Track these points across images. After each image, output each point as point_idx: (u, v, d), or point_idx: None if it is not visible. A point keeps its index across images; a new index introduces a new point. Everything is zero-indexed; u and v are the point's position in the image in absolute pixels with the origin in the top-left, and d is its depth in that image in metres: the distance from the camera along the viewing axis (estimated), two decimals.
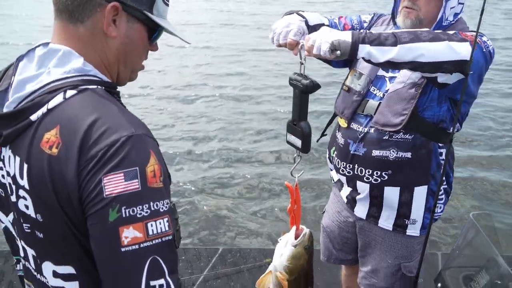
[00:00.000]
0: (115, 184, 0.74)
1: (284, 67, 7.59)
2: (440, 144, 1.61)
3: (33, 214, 0.83)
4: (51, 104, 0.79)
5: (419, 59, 1.31)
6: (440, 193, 1.65)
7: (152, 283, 0.75)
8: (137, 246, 0.74)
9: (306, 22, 1.51)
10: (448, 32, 1.40)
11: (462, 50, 1.35)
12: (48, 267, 0.86)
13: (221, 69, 7.84)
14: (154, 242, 0.75)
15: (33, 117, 0.80)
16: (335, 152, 1.73)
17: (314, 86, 1.23)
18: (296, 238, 1.23)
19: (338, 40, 1.26)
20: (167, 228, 0.77)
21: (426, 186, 1.62)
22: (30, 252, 0.91)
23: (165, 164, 0.83)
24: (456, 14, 1.55)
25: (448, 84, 1.45)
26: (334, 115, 1.81)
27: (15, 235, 0.95)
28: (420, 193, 1.63)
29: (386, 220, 1.68)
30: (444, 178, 1.64)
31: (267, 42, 1.65)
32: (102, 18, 0.85)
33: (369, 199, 1.68)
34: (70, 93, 0.80)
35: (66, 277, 0.84)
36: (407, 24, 1.53)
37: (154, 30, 0.93)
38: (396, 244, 1.71)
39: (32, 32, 9.21)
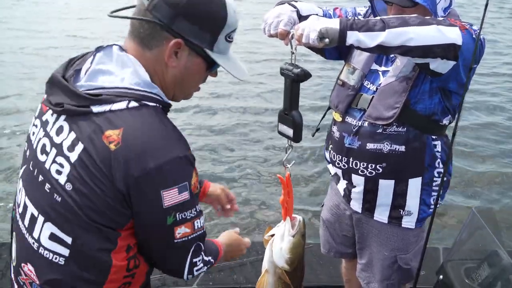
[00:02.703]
0: (171, 197, 0.95)
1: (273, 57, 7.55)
2: (434, 136, 1.62)
3: (62, 181, 0.95)
4: (115, 107, 0.93)
5: (409, 43, 1.33)
6: (435, 184, 1.67)
7: (194, 260, 1.06)
8: (186, 238, 1.01)
9: (298, 12, 1.52)
10: (437, 18, 1.42)
11: (451, 34, 1.37)
12: (47, 228, 0.98)
13: None
14: (197, 233, 1.04)
15: (95, 109, 0.93)
16: (331, 146, 1.75)
17: (305, 75, 1.25)
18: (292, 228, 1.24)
19: (326, 28, 1.29)
20: (203, 223, 1.05)
21: (420, 178, 1.64)
22: (31, 210, 1.02)
23: None
24: (446, 9, 1.55)
25: (440, 73, 1.46)
26: (329, 108, 1.83)
27: (20, 189, 1.06)
28: (414, 185, 1.65)
29: (381, 213, 1.70)
30: (440, 171, 1.65)
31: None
32: (166, 49, 0.98)
33: (364, 192, 1.70)
34: (132, 104, 0.94)
35: (62, 243, 0.97)
36: None
37: (212, 64, 1.04)
38: (392, 237, 1.73)
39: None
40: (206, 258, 1.10)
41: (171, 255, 1.05)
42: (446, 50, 1.38)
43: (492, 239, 1.83)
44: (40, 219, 0.99)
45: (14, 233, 1.10)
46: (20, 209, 1.05)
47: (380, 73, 1.63)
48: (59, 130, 0.97)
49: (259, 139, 5.13)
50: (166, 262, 1.07)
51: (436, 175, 1.66)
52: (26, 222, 1.03)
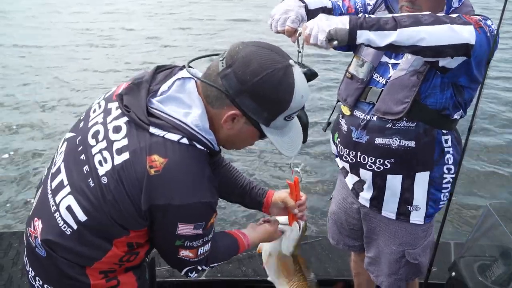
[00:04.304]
0: (185, 229, 1.04)
1: None
2: (444, 131, 1.58)
3: (101, 173, 1.03)
4: (168, 136, 1.00)
5: (420, 43, 1.28)
6: (445, 181, 1.63)
7: (190, 272, 1.18)
8: (188, 259, 1.13)
9: (306, 7, 1.48)
10: (451, 15, 1.36)
11: (464, 34, 1.31)
12: (69, 199, 1.05)
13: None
14: (199, 259, 1.14)
15: (152, 130, 1.00)
16: (339, 139, 1.72)
17: (312, 75, 1.22)
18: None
19: (335, 29, 1.24)
20: (207, 249, 1.15)
21: (428, 173, 1.60)
22: (62, 177, 1.09)
23: None
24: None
25: (450, 68, 1.41)
26: (337, 102, 1.79)
27: (61, 151, 1.14)
28: (422, 179, 1.61)
29: (389, 208, 1.67)
30: (451, 167, 1.61)
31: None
32: (224, 115, 1.03)
33: (372, 187, 1.67)
34: (184, 140, 1.01)
35: (75, 218, 1.05)
36: None
37: (265, 134, 1.08)
38: (400, 231, 1.70)
39: None
40: (204, 268, 1.20)
41: (171, 260, 1.16)
42: (458, 50, 1.34)
43: (507, 236, 1.79)
44: (67, 189, 1.07)
45: (39, 190, 1.18)
46: (53, 170, 1.13)
47: (390, 65, 1.58)
48: (117, 129, 1.05)
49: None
50: (167, 261, 1.18)
51: (446, 171, 1.62)
52: (54, 184, 1.10)
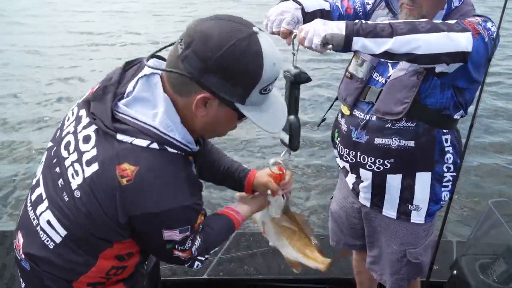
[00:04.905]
0: (172, 234, 1.00)
1: None
2: (445, 130, 1.57)
3: (74, 186, 0.98)
4: (137, 142, 0.93)
5: (416, 51, 1.28)
6: (445, 180, 1.62)
7: (191, 265, 1.14)
8: (183, 258, 1.10)
9: (303, 9, 1.47)
10: (449, 22, 1.35)
11: (461, 41, 1.31)
12: (48, 214, 1.02)
13: None
14: (195, 254, 1.11)
15: (119, 137, 0.94)
16: (339, 139, 1.72)
17: (307, 79, 1.21)
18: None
19: (331, 34, 1.24)
20: (200, 241, 1.12)
21: (429, 173, 1.59)
22: (40, 190, 1.05)
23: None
24: None
25: (447, 73, 1.41)
26: (336, 99, 1.79)
27: (42, 161, 1.10)
28: (423, 179, 1.60)
29: (390, 208, 1.67)
30: (451, 166, 1.61)
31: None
32: (193, 101, 0.95)
33: (372, 187, 1.67)
34: (153, 145, 0.94)
35: (55, 231, 1.01)
36: None
37: (243, 114, 0.99)
38: (401, 230, 1.70)
39: None
40: (206, 257, 1.18)
41: (169, 260, 1.12)
42: (454, 57, 1.33)
43: (508, 234, 1.79)
44: (46, 203, 1.03)
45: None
46: (34, 181, 1.10)
47: (389, 64, 1.58)
48: (86, 139, 0.99)
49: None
50: (166, 262, 1.17)
51: (445, 170, 1.61)
52: (34, 197, 1.07)
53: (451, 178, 1.63)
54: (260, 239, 2.85)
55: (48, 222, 1.02)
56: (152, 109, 0.96)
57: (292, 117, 1.23)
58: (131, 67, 1.05)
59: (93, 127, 0.98)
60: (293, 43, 1.31)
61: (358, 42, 1.26)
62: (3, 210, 3.78)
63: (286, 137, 1.27)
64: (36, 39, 8.79)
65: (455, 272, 1.91)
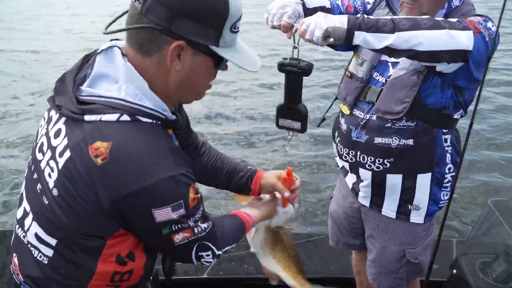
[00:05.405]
0: (164, 214, 0.89)
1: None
2: (444, 130, 1.57)
3: (51, 185, 0.92)
4: (105, 117, 0.87)
5: (417, 48, 1.28)
6: (446, 180, 1.62)
7: (200, 253, 1.02)
8: (187, 240, 0.97)
9: (304, 5, 1.48)
10: (451, 20, 1.35)
11: (462, 40, 1.31)
12: (34, 227, 0.96)
13: None
14: (200, 235, 0.99)
15: (87, 118, 0.88)
16: (339, 138, 1.72)
17: (310, 69, 1.25)
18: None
19: (333, 27, 1.24)
20: (206, 226, 1.00)
21: (430, 174, 1.59)
22: (24, 205, 1.00)
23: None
24: None
25: (447, 73, 1.41)
26: (335, 99, 1.79)
27: (25, 178, 1.04)
28: (423, 181, 1.60)
29: (389, 208, 1.67)
30: (451, 166, 1.61)
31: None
32: (167, 54, 0.90)
33: (372, 187, 1.67)
34: (124, 117, 0.88)
35: (47, 244, 0.95)
36: None
37: (220, 59, 0.95)
38: (400, 230, 1.70)
39: None
40: (217, 252, 1.06)
41: (174, 253, 1.04)
42: (455, 56, 1.33)
43: (508, 233, 1.79)
44: (30, 215, 0.98)
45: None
46: (19, 198, 1.05)
47: (389, 64, 1.58)
48: (57, 133, 0.94)
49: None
50: (171, 256, 1.10)
51: (447, 171, 1.62)
52: (20, 214, 1.01)
53: (450, 179, 1.64)
54: None
55: (36, 235, 0.96)
56: (115, 82, 0.91)
57: (300, 104, 1.30)
58: (91, 57, 0.99)
59: (62, 119, 0.93)
60: (294, 37, 1.32)
61: (360, 37, 1.26)
62: (4, 209, 3.78)
63: (295, 124, 1.32)
64: (35, 42, 8.76)
65: (454, 271, 1.91)
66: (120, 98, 0.88)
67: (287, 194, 1.29)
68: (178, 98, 1.00)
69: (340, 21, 1.25)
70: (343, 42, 1.27)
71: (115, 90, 0.89)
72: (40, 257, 0.96)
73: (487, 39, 1.37)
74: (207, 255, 1.03)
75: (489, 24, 1.41)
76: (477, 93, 1.56)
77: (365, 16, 1.29)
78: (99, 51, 0.95)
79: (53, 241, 0.94)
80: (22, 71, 7.17)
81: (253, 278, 2.43)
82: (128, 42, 0.93)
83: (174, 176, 0.88)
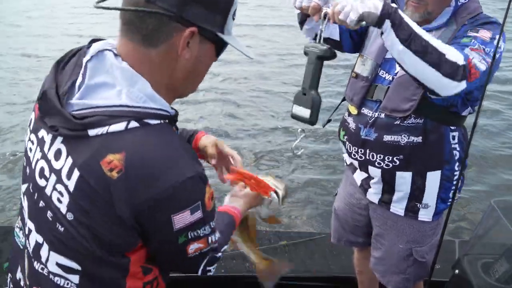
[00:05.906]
0: (182, 219, 0.86)
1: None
2: (452, 128, 1.57)
3: (64, 210, 0.86)
4: (112, 128, 0.81)
5: (414, 74, 1.34)
6: (455, 178, 1.62)
7: (207, 268, 1.01)
8: (200, 252, 0.95)
9: None
10: (459, 63, 1.32)
11: (452, 89, 1.34)
12: (54, 257, 0.90)
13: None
14: (212, 246, 0.98)
15: (91, 132, 0.81)
16: (346, 137, 1.72)
17: (332, 53, 1.27)
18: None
19: (368, 12, 1.26)
20: (218, 236, 1.01)
21: (439, 172, 1.59)
22: (35, 237, 0.93)
23: None
24: None
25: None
26: (343, 100, 1.80)
27: (24, 208, 0.97)
28: (433, 179, 1.60)
29: (398, 205, 1.67)
30: (459, 164, 1.61)
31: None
32: (177, 42, 0.85)
33: (381, 184, 1.67)
34: (133, 124, 0.82)
35: (71, 271, 0.90)
36: (416, 18, 1.49)
37: (221, 47, 0.93)
38: (407, 228, 1.69)
39: None
40: (219, 255, 1.06)
41: (183, 265, 1.00)
42: (435, 93, 1.38)
43: (511, 233, 1.78)
44: (45, 246, 0.91)
45: (19, 251, 1.01)
46: (26, 231, 0.97)
47: (395, 61, 1.58)
48: (57, 154, 0.86)
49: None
50: (179, 269, 1.05)
51: (456, 168, 1.62)
52: (31, 247, 0.95)
53: (457, 176, 1.63)
54: (262, 236, 2.86)
55: (58, 264, 0.90)
56: (113, 88, 0.84)
57: (313, 91, 1.29)
58: (66, 63, 0.91)
59: (59, 139, 0.86)
60: (322, 20, 1.34)
61: (386, 26, 1.29)
62: (6, 206, 3.80)
63: (305, 112, 1.31)
64: (33, 42, 8.74)
65: (457, 271, 1.90)
66: (121, 104, 0.83)
67: (213, 161, 1.26)
68: (181, 90, 0.96)
69: (375, 6, 1.28)
70: (373, 26, 1.31)
71: (114, 96, 0.83)
72: (68, 284, 0.90)
73: (485, 69, 1.37)
74: (213, 269, 1.04)
75: (495, 42, 1.38)
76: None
77: (398, 10, 1.31)
78: (88, 57, 0.87)
79: (78, 267, 0.89)
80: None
81: (255, 276, 2.43)
82: (125, 37, 0.87)
83: (193, 176, 0.85)
